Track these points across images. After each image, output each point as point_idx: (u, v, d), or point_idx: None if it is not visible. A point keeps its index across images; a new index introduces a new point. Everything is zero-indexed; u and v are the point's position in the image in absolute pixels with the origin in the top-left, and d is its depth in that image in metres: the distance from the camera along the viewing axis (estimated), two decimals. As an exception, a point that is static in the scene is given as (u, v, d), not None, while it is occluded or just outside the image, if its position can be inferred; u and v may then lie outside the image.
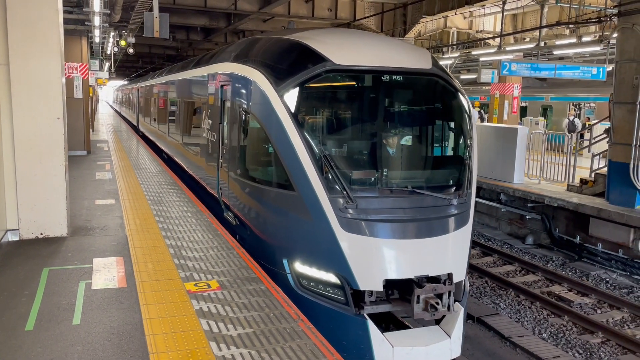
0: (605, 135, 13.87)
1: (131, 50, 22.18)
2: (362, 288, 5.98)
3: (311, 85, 6.63)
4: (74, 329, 4.73)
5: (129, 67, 54.03)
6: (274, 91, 6.65)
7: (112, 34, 21.13)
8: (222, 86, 8.73)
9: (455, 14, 19.00)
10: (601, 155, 14.37)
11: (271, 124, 6.67)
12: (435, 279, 6.10)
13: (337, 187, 6.11)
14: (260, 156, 7.44)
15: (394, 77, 6.80)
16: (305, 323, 4.87)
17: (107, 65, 31.38)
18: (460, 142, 7.18)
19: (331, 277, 6.18)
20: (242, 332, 4.66)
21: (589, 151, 15.84)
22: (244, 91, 7.65)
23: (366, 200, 6.16)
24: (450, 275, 6.19)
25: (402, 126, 7.55)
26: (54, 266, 6.29)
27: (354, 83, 7.08)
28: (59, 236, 7.45)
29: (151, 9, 11.95)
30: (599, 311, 9.82)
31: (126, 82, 54.03)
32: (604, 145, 14.56)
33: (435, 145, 7.45)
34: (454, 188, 6.69)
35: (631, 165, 11.87)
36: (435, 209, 6.38)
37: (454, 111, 7.23)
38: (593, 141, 15.91)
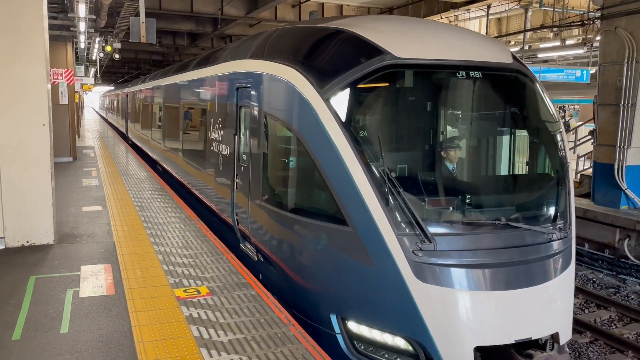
0: (590, 137, 14.06)
1: (117, 56, 22.07)
2: (444, 359, 4.55)
3: (367, 85, 5.21)
4: (62, 337, 4.67)
5: (114, 72, 53.68)
6: (316, 94, 5.23)
7: (97, 39, 21.00)
8: (237, 89, 7.36)
9: (441, 17, 19.15)
10: (586, 156, 14.54)
11: (313, 136, 5.23)
12: (536, 343, 4.78)
13: (407, 220, 4.68)
14: (296, 178, 5.90)
15: (471, 73, 5.29)
16: (296, 328, 4.85)
17: (92, 71, 31.19)
18: (554, 157, 5.63)
19: (400, 342, 4.78)
20: (233, 338, 4.63)
21: (574, 152, 16.03)
22: (271, 94, 6.25)
23: (448, 239, 4.72)
24: (556, 337, 4.81)
25: (488, 138, 5.90)
26: (41, 274, 6.21)
27: (422, 82, 5.57)
28: (45, 244, 7.36)
29: (137, 14, 11.90)
30: (586, 311, 9.91)
31: (113, 87, 53.31)
32: (589, 147, 14.74)
33: (527, 161, 5.79)
34: (554, 217, 5.25)
35: (615, 166, 12.05)
36: (535, 247, 4.90)
37: (544, 117, 5.72)
38: (578, 143, 16.10)
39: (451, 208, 5.12)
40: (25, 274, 6.22)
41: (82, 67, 25.30)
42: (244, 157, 7.01)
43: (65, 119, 16.41)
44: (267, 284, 6.17)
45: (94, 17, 14.22)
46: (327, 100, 5.12)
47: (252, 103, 6.71)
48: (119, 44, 20.91)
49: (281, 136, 6.05)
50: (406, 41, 5.37)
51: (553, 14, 18.28)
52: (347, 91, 5.11)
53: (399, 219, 4.69)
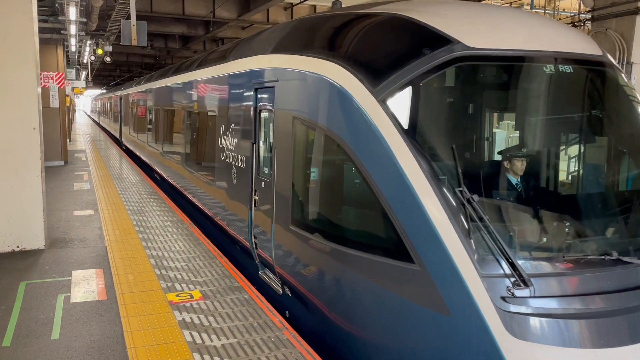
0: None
1: (108, 59, 21.99)
2: None
3: (433, 83, 4.23)
4: (53, 343, 4.62)
5: (106, 75, 53.52)
6: (367, 94, 4.25)
7: (88, 42, 20.93)
8: (256, 89, 6.36)
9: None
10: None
11: (364, 148, 4.24)
12: None
13: (496, 257, 3.64)
14: (342, 199, 4.90)
15: (561, 67, 4.29)
16: (290, 331, 4.82)
17: (84, 74, 31.04)
18: None
19: None
20: (226, 342, 4.59)
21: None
22: (304, 95, 5.18)
23: (548, 281, 3.66)
24: None
25: (584, 147, 4.74)
26: (32, 280, 6.14)
27: (502, 78, 4.55)
28: (36, 249, 7.29)
29: (128, 17, 11.85)
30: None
31: (106, 90, 52.65)
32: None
33: (635, 175, 4.69)
34: None
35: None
36: None
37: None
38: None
39: (556, 240, 4.03)
40: (16, 279, 6.15)
41: (73, 71, 25.18)
42: (266, 170, 6.02)
43: (56, 123, 16.31)
44: (298, 325, 5.27)
45: (85, 20, 14.16)
46: (382, 102, 4.12)
47: (276, 106, 5.65)
48: (110, 47, 20.84)
49: (320, 147, 4.95)
50: (478, 28, 4.33)
51: (544, 16, 18.41)
52: (408, 91, 4.10)
53: (485, 256, 3.64)
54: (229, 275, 6.29)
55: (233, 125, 7.23)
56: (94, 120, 55.59)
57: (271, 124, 5.91)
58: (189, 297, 5.60)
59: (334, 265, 4.59)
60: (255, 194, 6.29)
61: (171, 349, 4.47)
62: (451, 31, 4.22)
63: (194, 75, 10.01)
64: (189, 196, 10.24)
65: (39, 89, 7.29)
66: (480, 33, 4.29)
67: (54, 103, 16.21)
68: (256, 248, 6.35)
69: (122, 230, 8.30)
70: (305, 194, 5.21)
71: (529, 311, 3.50)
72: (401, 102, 4.12)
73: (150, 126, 15.49)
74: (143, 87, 17.70)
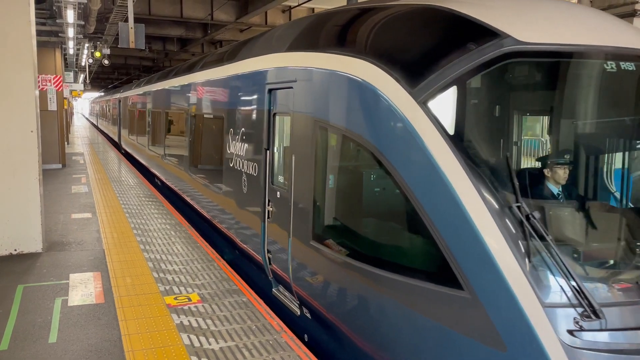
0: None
1: (106, 62, 21.97)
2: None
3: (480, 82, 3.78)
4: (50, 347, 4.60)
5: (104, 78, 53.54)
6: (405, 95, 3.76)
7: (86, 45, 20.93)
8: (269, 91, 5.81)
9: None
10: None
11: (401, 155, 3.78)
12: None
13: (560, 284, 3.18)
14: (374, 214, 4.46)
15: (622, 65, 3.76)
16: (288, 335, 4.81)
17: (82, 77, 31.04)
18: None
19: None
20: (224, 345, 4.58)
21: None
22: (326, 96, 4.65)
23: (622, 311, 3.20)
24: None
25: None
26: (29, 283, 6.13)
27: (558, 77, 3.98)
28: (33, 252, 7.27)
29: (126, 20, 11.86)
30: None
31: (104, 93, 52.39)
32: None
33: None
34: None
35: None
36: None
37: None
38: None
39: (619, 262, 3.56)
40: (13, 282, 6.13)
41: (71, 73, 25.16)
42: (281, 179, 5.54)
43: (54, 126, 16.30)
44: (318, 351, 4.88)
45: (83, 22, 14.16)
46: (423, 104, 3.64)
47: (294, 109, 5.13)
48: (108, 49, 20.84)
49: (347, 155, 4.54)
50: (528, 20, 3.81)
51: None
52: (453, 91, 3.63)
53: (548, 282, 3.18)
54: (227, 278, 6.28)
55: (243, 129, 6.68)
56: (92, 123, 55.27)
57: (288, 129, 5.38)
58: (187, 300, 5.59)
59: (365, 288, 4.03)
60: (268, 205, 5.71)
61: (169, 352, 4.46)
62: (498, 24, 3.69)
63: (199, 76, 9.43)
64: (194, 204, 9.55)
65: (37, 92, 7.29)
66: (531, 26, 3.74)
67: (52, 106, 16.20)
68: (270, 263, 5.81)
69: (120, 233, 8.29)
70: (329, 207, 4.64)
71: (599, 347, 3.01)
72: (445, 104, 3.63)
73: (151, 130, 14.86)
74: (143, 90, 16.93)
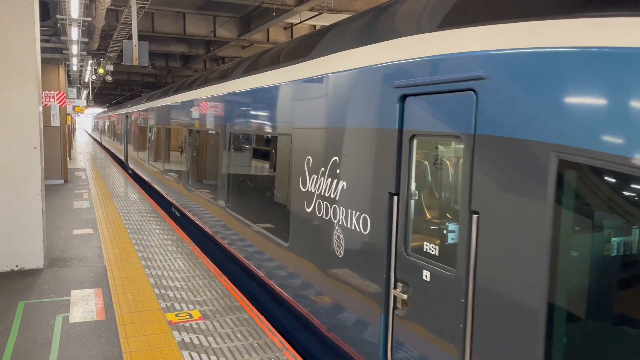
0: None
1: (109, 78, 22.13)
2: None
3: None
4: (51, 365, 4.57)
5: (107, 94, 53.87)
6: None
7: (90, 62, 21.10)
8: (404, 97, 3.74)
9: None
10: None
11: None
12: None
13: None
14: None
15: None
16: (290, 352, 4.78)
17: (84, 93, 31.22)
18: None
19: None
20: (226, 363, 4.55)
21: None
22: (598, 102, 2.43)
23: None
24: None
25: None
26: (30, 299, 6.10)
27: None
28: (35, 268, 7.26)
29: (130, 37, 11.97)
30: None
31: (108, 108, 52.11)
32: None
33: None
34: None
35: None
36: None
37: None
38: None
39: None
40: (15, 299, 6.11)
41: (75, 90, 25.34)
42: (433, 248, 3.48)
43: (57, 141, 16.36)
44: None
45: (87, 40, 14.29)
46: None
47: (482, 129, 3.04)
48: (112, 66, 20.99)
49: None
50: None
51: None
52: None
53: None
54: (229, 295, 6.25)
55: (336, 159, 4.54)
56: (95, 140, 54.23)
57: (454, 163, 3.47)
58: (188, 317, 5.56)
59: None
60: (397, 287, 3.73)
61: (170, 370, 4.42)
62: None
63: (246, 83, 7.16)
64: (241, 257, 7.17)
65: (40, 108, 7.33)
66: None
67: (55, 122, 16.28)
68: None
69: (121, 249, 8.27)
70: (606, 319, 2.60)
71: None
72: None
73: (167, 151, 12.70)
74: (158, 103, 14.42)
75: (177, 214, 11.87)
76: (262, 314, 6.36)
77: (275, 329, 5.79)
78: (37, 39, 7.24)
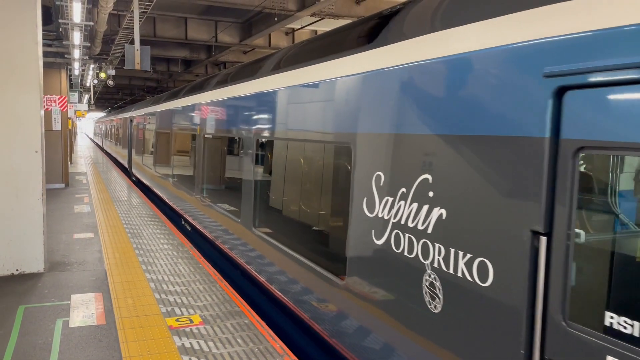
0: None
1: (111, 83, 22.18)
2: None
3: None
4: (51, 369, 4.55)
5: (108, 99, 53.98)
6: None
7: (92, 66, 21.14)
8: (563, 90, 2.50)
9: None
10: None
11: None
12: None
13: None
14: None
15: None
16: (290, 358, 4.76)
17: (86, 97, 31.27)
18: None
19: None
20: (226, 368, 4.53)
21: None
22: None
23: None
24: None
25: None
26: (30, 304, 6.09)
27: None
28: (35, 272, 7.25)
29: (132, 42, 12.00)
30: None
31: (111, 111, 51.76)
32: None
33: None
34: None
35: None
36: None
37: None
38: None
39: None
40: (15, 303, 6.10)
41: (76, 94, 25.38)
42: (623, 322, 2.24)
43: (58, 146, 16.38)
44: None
45: (89, 44, 14.34)
46: None
47: None
48: (113, 70, 21.05)
49: None
50: None
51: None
52: None
53: None
54: (229, 300, 6.24)
55: (428, 177, 3.36)
56: (97, 144, 53.12)
57: None
58: (188, 321, 5.54)
59: None
60: None
61: (170, 375, 4.41)
62: None
63: (283, 79, 5.91)
64: (271, 287, 6.01)
65: (42, 112, 7.34)
66: None
67: (56, 126, 16.30)
68: None
69: (122, 254, 8.26)
70: None
71: None
72: None
73: (180, 160, 11.22)
74: (170, 105, 12.67)
75: (189, 228, 10.71)
76: None
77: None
78: (40, 43, 7.25)
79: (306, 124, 5.21)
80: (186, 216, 10.64)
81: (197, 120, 9.94)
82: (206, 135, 9.22)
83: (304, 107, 5.31)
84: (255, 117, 6.72)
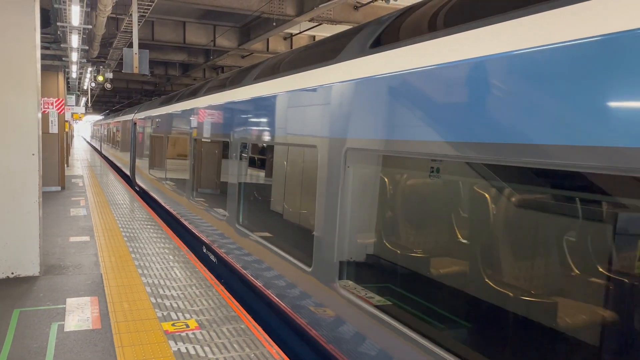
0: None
1: (109, 86, 22.16)
2: None
3: None
4: (45, 374, 4.53)
5: (105, 102, 53.93)
6: None
7: (89, 69, 21.12)
8: None
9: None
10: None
11: None
12: None
13: None
14: None
15: None
16: (287, 363, 4.75)
17: (83, 100, 31.22)
18: None
19: None
20: (222, 374, 4.51)
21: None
22: None
23: None
24: None
25: None
26: (25, 307, 6.06)
27: None
28: (30, 275, 7.21)
29: (130, 45, 12.00)
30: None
31: (110, 113, 51.37)
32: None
33: None
34: None
35: None
36: None
37: None
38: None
39: None
40: (9, 306, 6.06)
41: (73, 97, 25.35)
42: None
43: (55, 148, 16.34)
44: None
45: (87, 47, 14.33)
46: None
47: None
48: (111, 73, 21.04)
49: None
50: None
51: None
52: None
53: None
54: (226, 305, 6.22)
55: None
56: (95, 148, 51.38)
57: None
58: (184, 326, 5.52)
59: None
60: None
61: (166, 380, 4.39)
62: None
63: (338, 71, 4.62)
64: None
65: (39, 115, 7.33)
66: None
67: (53, 129, 16.27)
68: None
69: (118, 257, 8.23)
70: None
71: None
72: None
73: (195, 172, 9.78)
74: (183, 106, 10.80)
75: (214, 259, 8.57)
76: None
77: None
78: (38, 46, 7.25)
79: (371, 124, 4.04)
80: (214, 247, 8.38)
81: (216, 125, 8.17)
82: (235, 142, 7.38)
83: (370, 106, 4.09)
84: (304, 118, 5.23)
